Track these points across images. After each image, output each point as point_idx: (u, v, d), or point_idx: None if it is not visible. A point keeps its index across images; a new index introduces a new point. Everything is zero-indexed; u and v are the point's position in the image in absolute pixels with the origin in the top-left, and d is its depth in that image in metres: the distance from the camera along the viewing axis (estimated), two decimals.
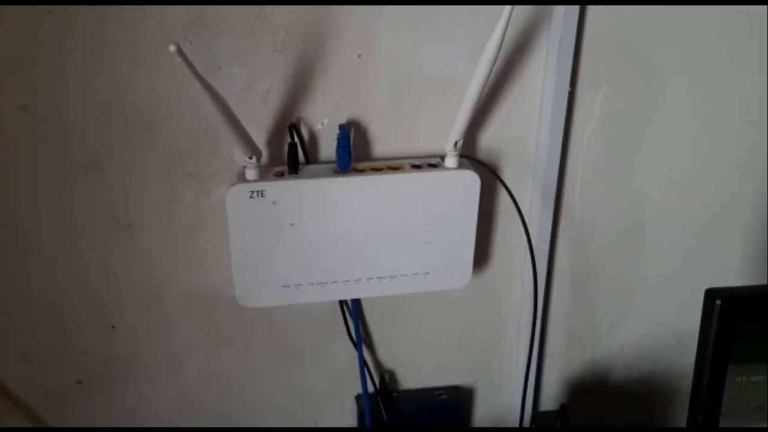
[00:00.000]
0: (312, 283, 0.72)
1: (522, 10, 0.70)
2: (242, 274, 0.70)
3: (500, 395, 0.89)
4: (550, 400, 0.90)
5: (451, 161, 0.70)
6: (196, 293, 0.76)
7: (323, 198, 0.68)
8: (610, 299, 0.87)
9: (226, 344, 0.79)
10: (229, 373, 0.81)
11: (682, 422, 0.94)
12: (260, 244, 0.69)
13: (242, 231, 0.68)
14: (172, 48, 0.51)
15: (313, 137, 0.71)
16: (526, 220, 0.75)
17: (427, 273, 0.74)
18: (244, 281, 0.70)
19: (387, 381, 0.85)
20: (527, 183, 0.78)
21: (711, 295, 0.55)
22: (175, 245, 0.73)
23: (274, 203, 0.67)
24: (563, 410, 0.76)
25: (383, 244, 0.71)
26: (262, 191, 0.66)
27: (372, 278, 0.73)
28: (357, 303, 0.79)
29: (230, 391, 0.82)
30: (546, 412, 0.80)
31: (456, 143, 0.69)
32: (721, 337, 0.55)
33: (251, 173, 0.67)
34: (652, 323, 0.90)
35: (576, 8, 0.69)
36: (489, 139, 0.75)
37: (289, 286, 0.71)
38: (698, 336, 0.56)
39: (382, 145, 0.73)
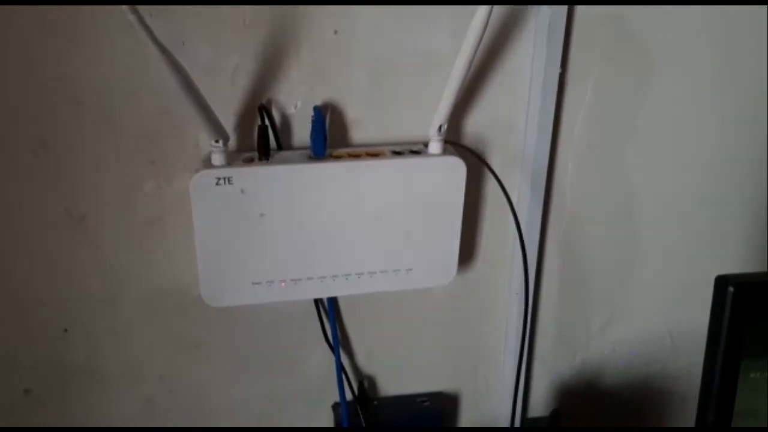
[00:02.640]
0: (284, 280, 0.66)
1: None
2: (208, 271, 0.64)
3: (487, 402, 0.84)
4: (538, 406, 0.85)
5: (434, 147, 0.65)
6: (158, 292, 0.69)
7: (296, 186, 0.62)
8: (602, 299, 0.82)
9: (192, 349, 0.73)
10: (195, 381, 0.75)
11: (679, 426, 0.91)
12: (227, 237, 0.63)
13: (208, 222, 0.62)
14: (125, 8, 0.46)
15: (286, 121, 0.66)
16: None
17: (410, 269, 0.68)
18: (209, 278, 0.64)
19: (366, 387, 0.79)
20: (515, 174, 0.73)
21: (723, 282, 0.50)
22: (134, 240, 0.67)
23: (242, 191, 0.61)
24: (555, 416, 0.71)
25: (362, 238, 0.66)
26: (229, 178, 0.61)
27: (350, 275, 0.67)
28: (334, 302, 0.74)
29: (196, 400, 0.76)
30: (536, 419, 0.75)
31: (440, 127, 0.64)
32: (734, 328, 0.50)
33: (218, 158, 0.61)
34: (645, 324, 0.86)
35: None
36: (475, 126, 0.70)
37: (260, 283, 0.65)
38: (708, 328, 0.52)
39: (360, 131, 0.67)
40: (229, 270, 0.64)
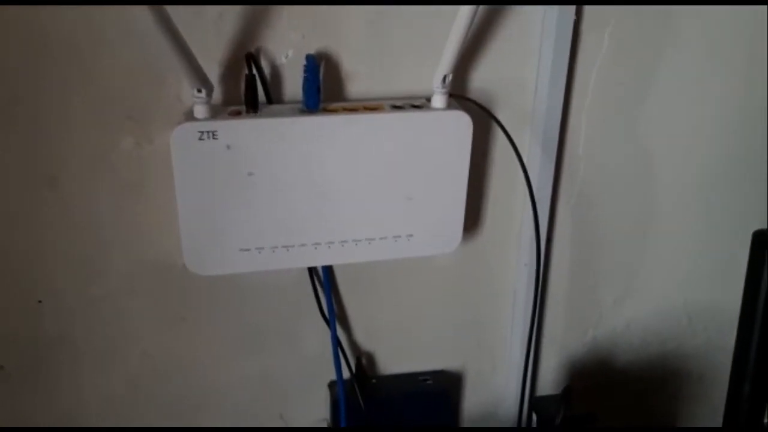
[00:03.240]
0: (275, 247, 0.61)
1: None
2: (191, 235, 0.59)
3: (492, 380, 0.79)
4: (547, 386, 0.80)
5: (438, 100, 0.60)
6: (139, 261, 0.64)
7: (287, 142, 0.57)
8: (615, 272, 0.77)
9: (177, 323, 0.68)
10: (181, 358, 0.70)
11: (695, 408, 0.86)
12: (212, 198, 0.58)
13: (190, 182, 0.57)
14: None
15: (276, 72, 0.60)
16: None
17: (411, 235, 0.63)
18: (193, 244, 0.59)
19: (364, 365, 0.74)
20: (525, 135, 0.68)
21: (761, 239, 0.45)
22: (112, 203, 0.62)
23: (228, 147, 0.56)
24: (567, 394, 0.66)
25: (359, 200, 0.61)
26: (213, 132, 0.55)
27: (346, 241, 0.62)
28: (329, 272, 0.68)
29: (182, 379, 0.71)
30: (546, 397, 0.70)
31: (444, 78, 0.59)
32: None
33: (201, 110, 0.56)
34: (661, 300, 0.81)
35: None
36: (481, 81, 0.65)
37: (249, 249, 0.60)
38: (743, 294, 0.46)
39: (357, 84, 0.62)
40: (214, 235, 0.59)
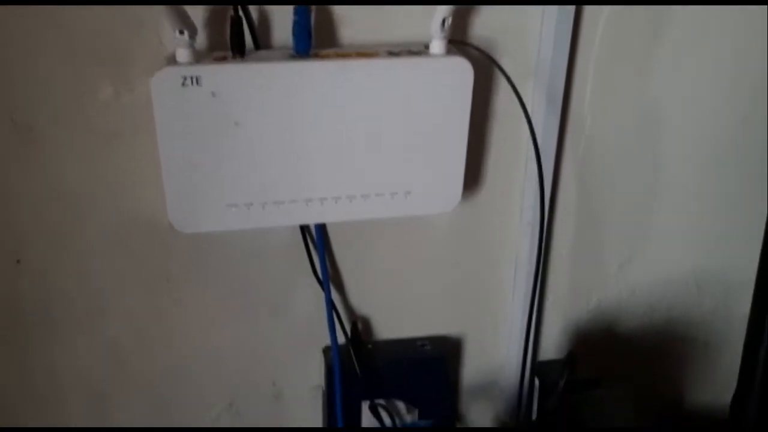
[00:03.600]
0: (265, 203, 0.58)
1: None
2: (176, 190, 0.56)
3: (493, 346, 0.76)
4: (549, 353, 0.78)
5: (437, 46, 0.56)
6: (121, 218, 0.61)
7: (276, 89, 0.53)
8: (622, 235, 0.74)
9: (162, 284, 0.65)
10: (166, 322, 0.67)
11: (700, 376, 0.83)
12: (197, 150, 0.54)
13: (174, 132, 0.54)
14: None
15: (264, 16, 0.56)
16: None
17: (408, 192, 0.60)
18: (178, 199, 0.56)
19: (360, 330, 0.71)
20: (528, 86, 0.64)
21: None
22: (91, 156, 0.58)
23: (213, 95, 0.53)
24: (571, 359, 0.64)
25: (353, 153, 0.57)
26: (197, 78, 0.52)
27: (340, 197, 0.59)
28: (322, 231, 0.65)
29: (167, 344, 0.68)
30: (549, 362, 0.67)
31: (443, 22, 0.55)
32: None
33: (183, 54, 0.52)
34: (668, 265, 0.77)
35: None
36: (482, 29, 0.61)
37: (236, 205, 0.57)
38: (759, 259, 0.43)
39: (351, 31, 0.58)
40: (199, 189, 0.56)
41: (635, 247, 0.75)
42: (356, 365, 0.69)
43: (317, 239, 0.65)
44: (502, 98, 0.63)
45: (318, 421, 0.73)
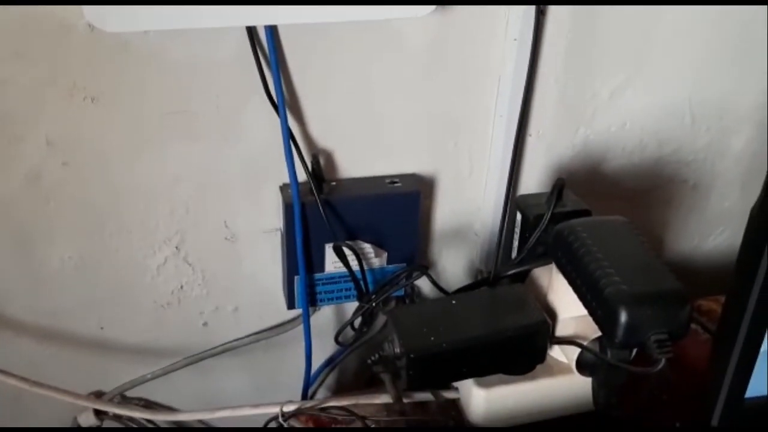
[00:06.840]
0: None
1: None
2: None
3: (469, 185, 0.69)
4: (529, 191, 0.71)
5: None
6: (31, 19, 0.50)
7: None
8: (616, 56, 0.66)
9: (86, 104, 0.55)
10: (95, 149, 0.57)
11: (686, 217, 0.78)
12: None
13: None
14: None
15: None
16: None
17: None
18: None
19: (323, 166, 0.63)
20: None
21: None
22: None
23: None
24: (560, 187, 0.57)
25: None
26: None
27: None
28: (275, 39, 0.55)
29: (98, 176, 0.59)
30: (531, 195, 0.61)
31: None
32: None
33: None
34: (663, 94, 0.70)
35: None
36: None
37: None
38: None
39: None
40: None
41: (629, 71, 0.67)
42: (319, 203, 0.62)
43: (270, 51, 0.55)
44: None
45: (277, 268, 0.67)
